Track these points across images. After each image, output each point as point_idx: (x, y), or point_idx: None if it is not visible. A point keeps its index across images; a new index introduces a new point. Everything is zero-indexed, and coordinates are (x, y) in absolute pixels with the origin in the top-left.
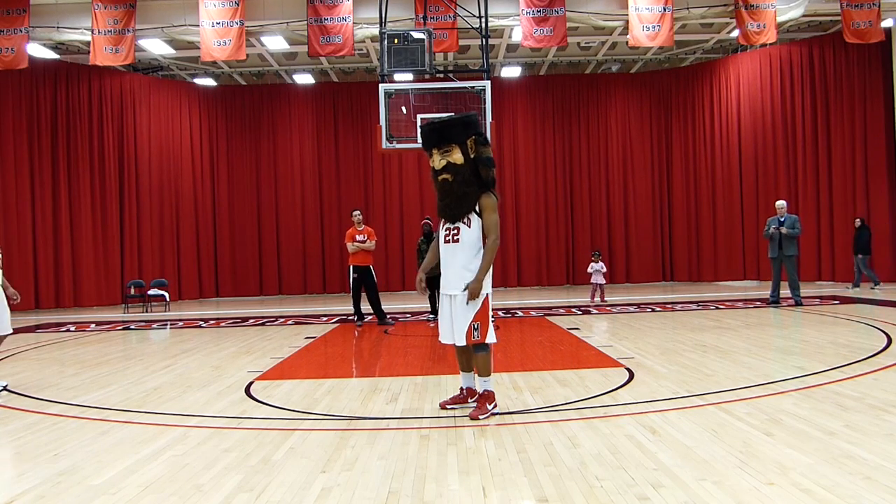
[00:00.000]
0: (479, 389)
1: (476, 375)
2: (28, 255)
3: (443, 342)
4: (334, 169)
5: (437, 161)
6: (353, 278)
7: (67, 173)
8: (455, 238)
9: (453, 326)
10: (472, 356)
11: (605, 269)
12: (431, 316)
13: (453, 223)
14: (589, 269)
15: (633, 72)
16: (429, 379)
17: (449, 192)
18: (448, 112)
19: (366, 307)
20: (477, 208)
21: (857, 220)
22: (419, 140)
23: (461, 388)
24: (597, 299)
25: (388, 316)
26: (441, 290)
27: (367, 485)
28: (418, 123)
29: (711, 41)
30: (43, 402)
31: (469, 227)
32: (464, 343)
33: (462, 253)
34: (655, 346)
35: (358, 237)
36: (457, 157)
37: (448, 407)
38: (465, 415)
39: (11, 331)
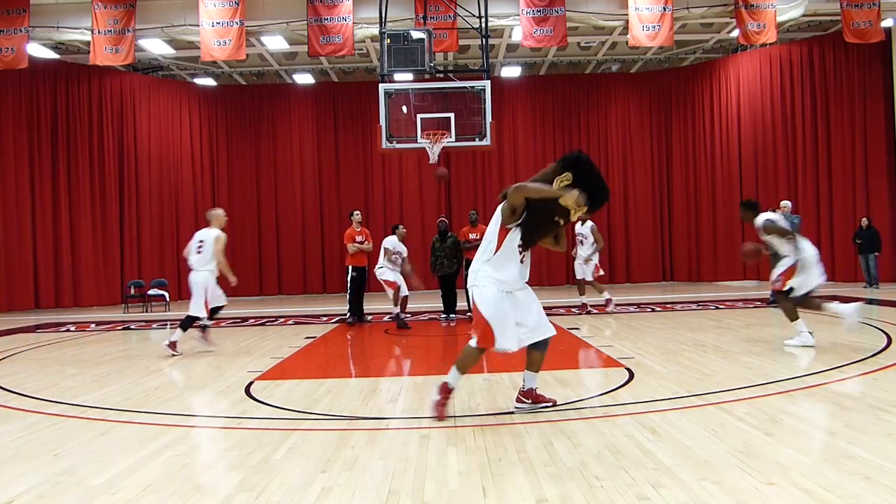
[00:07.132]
0: (535, 385)
1: (533, 373)
2: (28, 255)
3: (514, 350)
4: (334, 169)
5: (577, 216)
6: (353, 277)
7: (67, 173)
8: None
9: (540, 320)
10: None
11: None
12: (444, 316)
13: (527, 250)
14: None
15: (633, 72)
16: (429, 379)
17: (550, 234)
18: (448, 112)
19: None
20: None
21: (865, 219)
22: (594, 200)
23: (441, 386)
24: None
25: (388, 315)
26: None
27: (367, 485)
28: (418, 124)
29: (711, 41)
30: (43, 402)
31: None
32: (553, 332)
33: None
34: (655, 346)
35: (357, 238)
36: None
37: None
38: (467, 412)
39: None
